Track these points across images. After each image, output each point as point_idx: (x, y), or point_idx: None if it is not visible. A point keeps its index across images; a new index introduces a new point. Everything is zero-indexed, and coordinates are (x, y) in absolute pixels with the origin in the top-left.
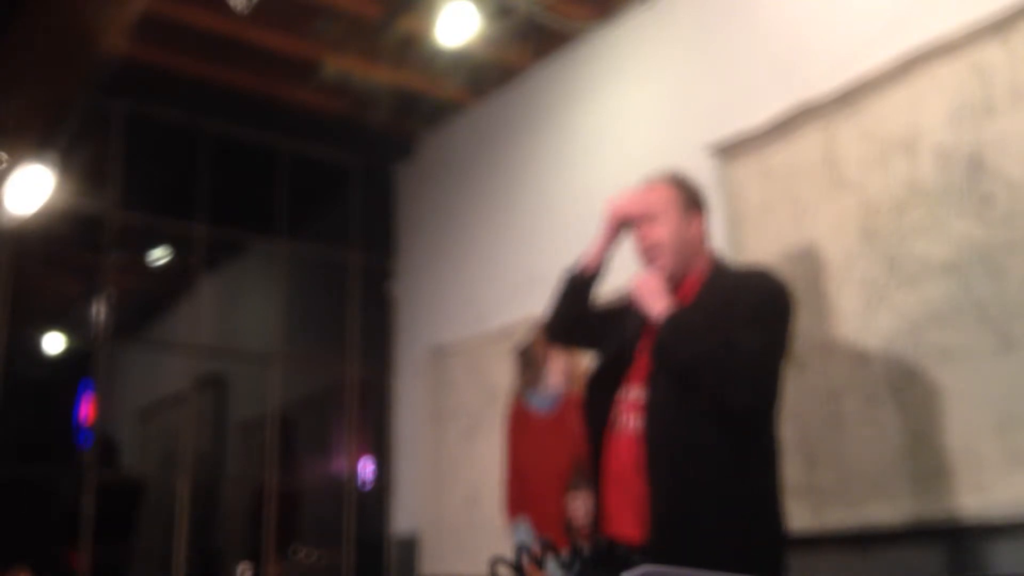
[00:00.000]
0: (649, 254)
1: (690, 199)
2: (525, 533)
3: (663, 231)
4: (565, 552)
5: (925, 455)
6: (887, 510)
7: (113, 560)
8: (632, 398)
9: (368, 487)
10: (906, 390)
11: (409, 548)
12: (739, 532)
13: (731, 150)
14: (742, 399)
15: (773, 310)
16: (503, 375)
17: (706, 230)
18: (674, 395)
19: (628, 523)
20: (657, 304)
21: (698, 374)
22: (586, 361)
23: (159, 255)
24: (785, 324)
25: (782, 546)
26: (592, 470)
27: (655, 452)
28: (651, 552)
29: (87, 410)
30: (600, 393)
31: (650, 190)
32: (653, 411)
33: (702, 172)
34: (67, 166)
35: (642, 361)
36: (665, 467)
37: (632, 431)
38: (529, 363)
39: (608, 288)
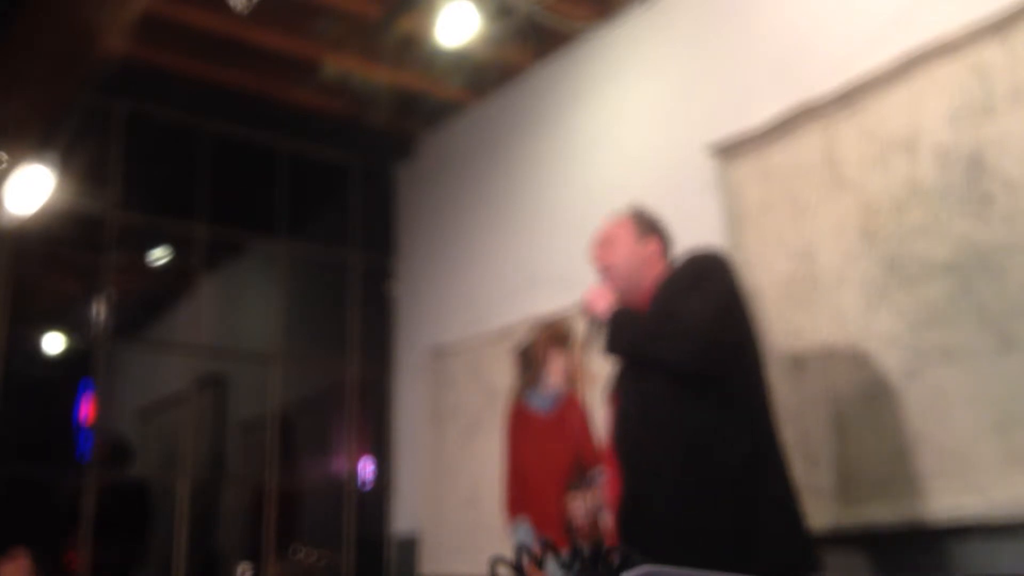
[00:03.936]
0: (604, 273)
1: (646, 226)
2: (525, 533)
3: (616, 253)
4: (565, 552)
5: (925, 455)
6: (887, 510)
7: (115, 560)
8: (609, 414)
9: (368, 487)
10: (906, 390)
11: (409, 548)
12: (714, 508)
13: (731, 150)
14: (687, 355)
15: (704, 270)
16: (503, 375)
17: (663, 251)
18: (633, 388)
19: (609, 521)
20: (601, 303)
21: (645, 349)
22: (586, 361)
23: (159, 255)
24: (722, 280)
25: (780, 514)
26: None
27: (621, 446)
28: (620, 542)
29: (87, 410)
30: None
31: (608, 223)
32: (620, 410)
33: (702, 172)
34: (67, 166)
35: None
36: (629, 456)
37: (610, 435)
38: (529, 363)
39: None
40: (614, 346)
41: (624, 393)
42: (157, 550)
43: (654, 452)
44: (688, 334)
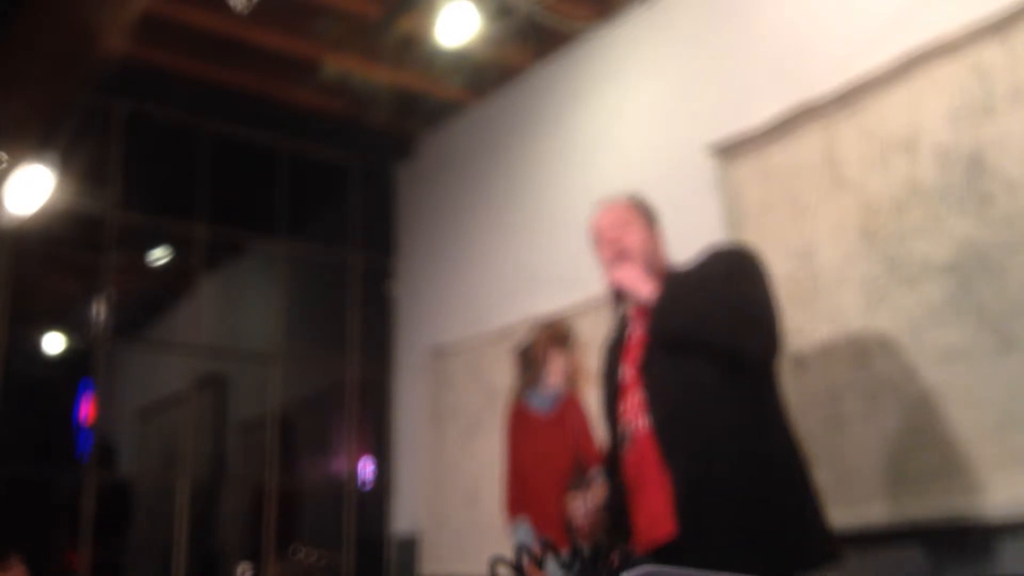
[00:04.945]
0: (616, 256)
1: (651, 215)
2: (525, 533)
3: (632, 238)
4: (565, 552)
5: (925, 455)
6: (887, 510)
7: (111, 560)
8: (634, 403)
9: (368, 487)
10: (906, 390)
11: (409, 548)
12: (765, 494)
13: (731, 150)
14: (759, 340)
15: (748, 263)
16: (503, 375)
17: (663, 245)
18: (676, 380)
19: (661, 522)
20: (643, 285)
21: (709, 326)
22: (586, 361)
23: (159, 255)
24: (766, 273)
25: (812, 502)
26: (618, 491)
27: (667, 439)
28: (682, 539)
29: (87, 410)
30: (609, 415)
31: (613, 206)
32: (656, 403)
33: (702, 172)
34: (67, 166)
35: (630, 364)
36: (679, 449)
37: (643, 430)
38: (529, 363)
39: (585, 295)
40: (670, 328)
41: (658, 377)
42: (157, 550)
43: (706, 440)
44: (763, 323)
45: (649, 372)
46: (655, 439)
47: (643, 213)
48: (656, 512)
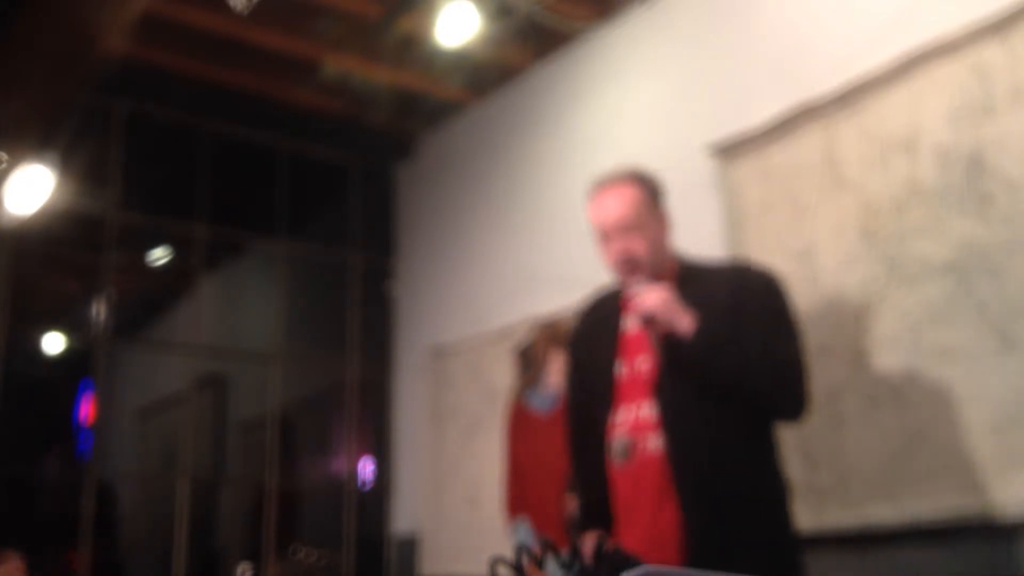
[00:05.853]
0: (626, 266)
1: (655, 195)
2: (525, 533)
3: (642, 243)
4: (565, 552)
5: (925, 455)
6: (887, 510)
7: (111, 560)
8: (641, 417)
9: (368, 487)
10: (906, 390)
11: (409, 548)
12: (767, 538)
13: (731, 150)
14: (794, 406)
15: (787, 308)
16: (503, 375)
17: (669, 226)
18: (697, 409)
19: (655, 549)
20: (682, 320)
21: (742, 385)
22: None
23: (159, 255)
24: (794, 313)
25: (798, 545)
26: (598, 503)
27: (684, 472)
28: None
29: (87, 410)
30: (589, 420)
31: (618, 195)
32: (675, 429)
33: (702, 172)
34: (67, 166)
35: (636, 377)
36: (698, 486)
37: (652, 452)
38: (529, 363)
39: (584, 295)
40: (708, 374)
41: (678, 406)
42: (157, 550)
43: (722, 476)
44: (798, 385)
45: (664, 397)
46: (670, 467)
47: (648, 195)
48: (651, 537)
